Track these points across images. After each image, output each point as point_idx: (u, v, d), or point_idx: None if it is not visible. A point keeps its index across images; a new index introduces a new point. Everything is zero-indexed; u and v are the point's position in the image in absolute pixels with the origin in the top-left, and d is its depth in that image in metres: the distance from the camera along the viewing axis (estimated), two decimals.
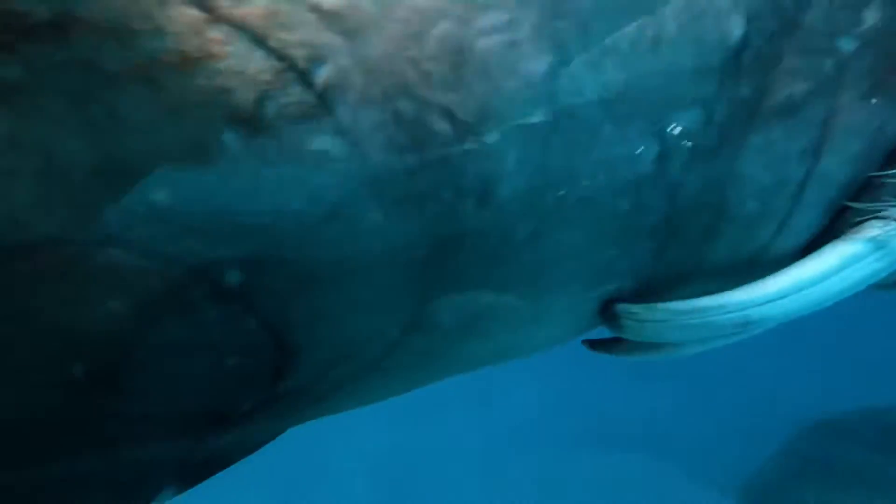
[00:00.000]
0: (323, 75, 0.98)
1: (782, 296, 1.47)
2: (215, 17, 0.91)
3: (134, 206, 0.93)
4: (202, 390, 1.10)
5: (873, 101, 1.44)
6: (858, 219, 1.52)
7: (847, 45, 1.38)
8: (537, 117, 1.12)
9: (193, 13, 0.91)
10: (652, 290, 1.47)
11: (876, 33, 1.38)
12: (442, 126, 1.05)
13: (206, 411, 1.11)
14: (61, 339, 0.97)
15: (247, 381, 1.12)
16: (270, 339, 1.09)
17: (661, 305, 1.43)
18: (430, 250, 1.13)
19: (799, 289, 1.49)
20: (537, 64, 1.10)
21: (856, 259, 1.49)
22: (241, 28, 0.93)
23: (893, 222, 1.52)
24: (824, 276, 1.49)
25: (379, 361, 1.29)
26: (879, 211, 1.52)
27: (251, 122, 0.95)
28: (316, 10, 0.97)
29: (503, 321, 1.33)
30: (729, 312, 1.43)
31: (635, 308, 1.43)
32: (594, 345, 1.61)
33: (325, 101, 0.99)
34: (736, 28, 1.26)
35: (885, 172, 1.54)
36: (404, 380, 1.46)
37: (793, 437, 7.19)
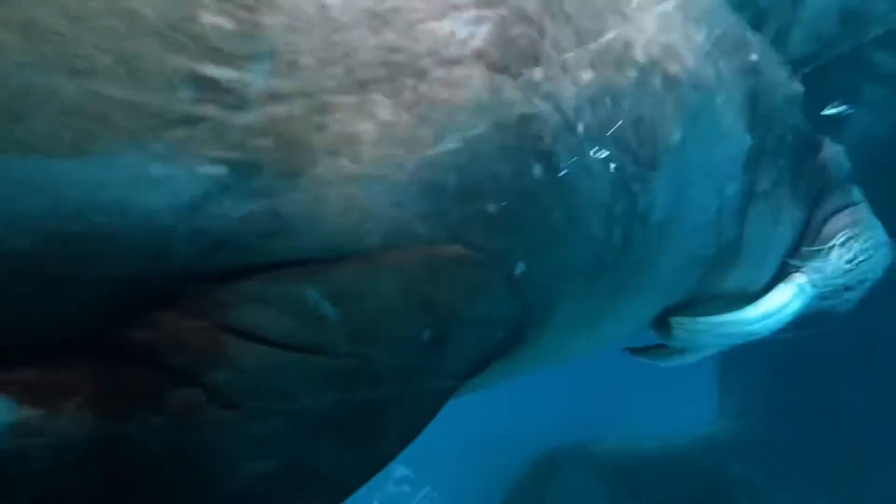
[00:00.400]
0: (581, 126, 1.42)
1: (769, 316, 2.08)
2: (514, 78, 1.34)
3: (475, 215, 1.29)
4: (481, 357, 1.42)
5: (790, 202, 2.16)
6: (791, 271, 2.21)
7: (781, 161, 2.09)
8: (676, 169, 1.63)
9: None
10: (683, 307, 2.01)
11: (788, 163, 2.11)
12: (631, 165, 1.53)
13: (469, 372, 1.43)
14: (425, 313, 1.27)
15: (497, 351, 1.46)
16: (521, 318, 1.45)
17: (702, 319, 1.96)
18: (610, 261, 1.57)
19: (774, 313, 2.11)
20: (677, 133, 1.62)
21: (795, 297, 2.15)
22: (531, 88, 1.35)
23: (807, 276, 2.20)
24: (784, 304, 2.13)
25: (526, 349, 1.66)
26: (800, 268, 2.22)
27: (550, 157, 1.36)
28: (576, 82, 1.42)
29: (606, 320, 1.78)
30: (744, 326, 2.00)
31: (684, 320, 1.95)
32: (635, 351, 2.10)
33: (582, 141, 1.42)
34: (747, 141, 1.90)
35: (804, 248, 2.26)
36: (521, 368, 1.82)
37: (526, 471, 7.88)
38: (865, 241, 2.30)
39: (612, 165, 1.49)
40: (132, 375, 1.14)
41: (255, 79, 1.15)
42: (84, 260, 1.08)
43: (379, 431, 1.33)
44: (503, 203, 1.32)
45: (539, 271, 1.41)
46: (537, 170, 1.36)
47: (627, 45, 1.59)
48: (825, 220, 2.28)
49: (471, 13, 1.32)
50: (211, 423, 1.17)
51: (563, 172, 1.39)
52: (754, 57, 2.02)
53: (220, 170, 1.13)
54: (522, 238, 1.37)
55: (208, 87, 1.11)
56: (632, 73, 1.58)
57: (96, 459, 1.11)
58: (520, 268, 1.37)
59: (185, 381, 1.15)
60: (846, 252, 2.26)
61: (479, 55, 1.31)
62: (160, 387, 1.15)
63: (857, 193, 2.40)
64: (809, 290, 2.21)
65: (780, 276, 2.22)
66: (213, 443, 1.18)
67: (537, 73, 1.37)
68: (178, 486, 1.17)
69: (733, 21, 2.02)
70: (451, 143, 1.27)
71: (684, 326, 1.96)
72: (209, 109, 1.12)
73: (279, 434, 1.22)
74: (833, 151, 2.33)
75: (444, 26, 1.30)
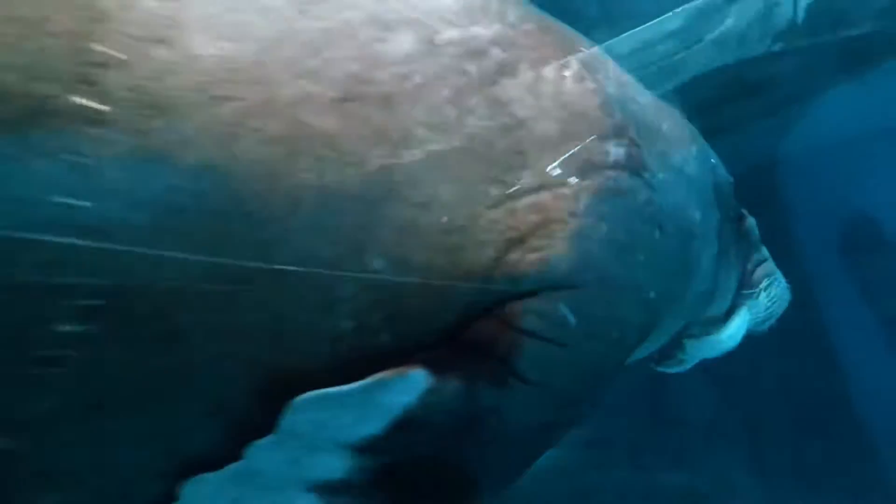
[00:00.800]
0: (665, 205, 2.32)
1: (735, 336, 3.07)
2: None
3: (632, 261, 2.13)
4: (632, 351, 2.23)
5: (735, 257, 3.20)
6: (737, 305, 3.23)
7: (728, 230, 3.13)
8: (697, 234, 2.57)
9: None
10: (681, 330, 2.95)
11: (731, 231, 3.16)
12: (683, 233, 2.44)
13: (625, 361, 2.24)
14: (615, 321, 2.07)
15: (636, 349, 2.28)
16: (648, 329, 2.28)
17: (703, 338, 2.90)
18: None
19: (735, 333, 3.11)
20: (697, 212, 2.58)
21: (744, 323, 3.18)
22: (645, 183, 2.23)
23: (745, 311, 3.24)
24: (740, 327, 3.13)
25: None
26: (741, 304, 3.26)
27: (660, 225, 2.24)
28: (656, 178, 2.33)
29: (661, 336, 2.66)
30: (724, 342, 2.97)
31: (693, 340, 2.88)
32: (656, 362, 2.99)
33: (668, 214, 2.31)
34: (717, 215, 2.90)
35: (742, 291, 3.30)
36: None
37: None
38: (777, 287, 3.39)
39: (677, 232, 2.40)
40: (473, 360, 1.84)
41: (524, 179, 1.94)
42: (456, 297, 1.80)
43: (583, 397, 2.10)
44: (645, 253, 2.17)
45: (657, 298, 2.26)
46: (656, 233, 2.23)
47: (669, 155, 2.53)
48: (752, 271, 3.34)
49: (612, 140, 2.19)
50: (512, 391, 1.89)
51: (664, 234, 2.27)
52: (713, 160, 3.05)
53: (513, 234, 1.89)
54: (652, 275, 2.22)
55: (503, 185, 1.89)
56: (671, 173, 2.52)
57: (463, 414, 1.80)
58: (651, 294, 2.22)
59: (500, 364, 1.87)
60: (768, 295, 3.33)
61: (623, 165, 2.18)
62: (487, 368, 1.86)
63: (765, 251, 3.50)
64: (749, 320, 3.24)
65: (730, 310, 3.23)
66: (513, 403, 1.89)
67: (646, 175, 2.26)
68: (493, 431, 1.87)
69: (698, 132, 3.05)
70: (618, 215, 2.11)
71: (694, 343, 2.89)
72: (503, 199, 1.89)
73: (543, 399, 1.95)
74: (750, 221, 3.41)
75: (603, 147, 2.16)
